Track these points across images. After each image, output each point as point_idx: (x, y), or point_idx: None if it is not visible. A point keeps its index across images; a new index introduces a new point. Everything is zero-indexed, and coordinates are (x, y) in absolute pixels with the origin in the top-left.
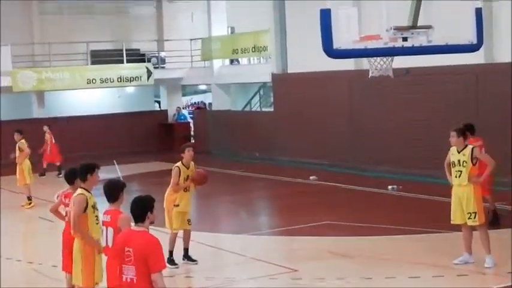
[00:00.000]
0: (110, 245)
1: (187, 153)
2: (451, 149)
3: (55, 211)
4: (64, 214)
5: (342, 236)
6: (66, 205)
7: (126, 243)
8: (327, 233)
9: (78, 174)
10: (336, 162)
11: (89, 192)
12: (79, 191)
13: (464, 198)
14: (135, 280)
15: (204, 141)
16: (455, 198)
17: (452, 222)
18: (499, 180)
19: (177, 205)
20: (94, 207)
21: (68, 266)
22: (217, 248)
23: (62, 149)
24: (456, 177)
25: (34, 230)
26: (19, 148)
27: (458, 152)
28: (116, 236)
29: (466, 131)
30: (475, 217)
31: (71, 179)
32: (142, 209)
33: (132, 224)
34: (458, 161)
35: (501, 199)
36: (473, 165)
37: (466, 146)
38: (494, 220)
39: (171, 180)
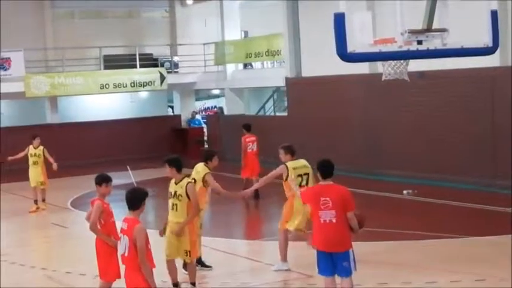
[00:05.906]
0: (127, 253)
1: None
2: None
3: (95, 226)
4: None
5: (356, 241)
6: (109, 213)
7: (321, 194)
8: None
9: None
10: (351, 166)
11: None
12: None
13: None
14: (334, 220)
15: (218, 146)
16: None
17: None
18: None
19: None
20: None
21: (105, 274)
22: (232, 254)
23: (74, 155)
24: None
25: (47, 236)
26: (43, 154)
27: None
28: (131, 245)
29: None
30: None
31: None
32: (331, 167)
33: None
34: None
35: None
36: (285, 181)
37: None
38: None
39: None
